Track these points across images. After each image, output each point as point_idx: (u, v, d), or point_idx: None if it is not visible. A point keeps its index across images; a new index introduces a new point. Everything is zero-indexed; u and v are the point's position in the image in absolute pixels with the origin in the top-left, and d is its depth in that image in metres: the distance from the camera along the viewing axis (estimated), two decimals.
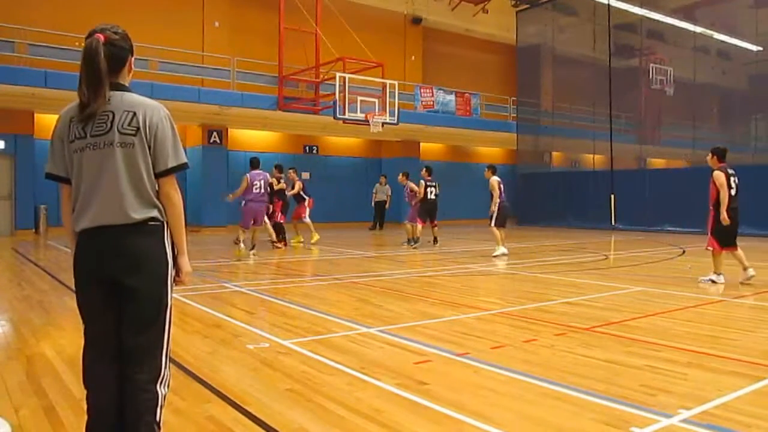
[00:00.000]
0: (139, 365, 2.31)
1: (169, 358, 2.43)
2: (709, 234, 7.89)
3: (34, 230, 16.54)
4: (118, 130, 2.26)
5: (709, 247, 7.86)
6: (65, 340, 4.83)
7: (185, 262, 2.48)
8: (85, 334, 2.39)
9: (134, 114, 2.28)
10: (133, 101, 2.32)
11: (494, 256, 11.17)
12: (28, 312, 6.01)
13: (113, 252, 2.27)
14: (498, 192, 11.43)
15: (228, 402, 3.39)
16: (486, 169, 11.94)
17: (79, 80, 2.26)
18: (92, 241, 2.29)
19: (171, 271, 2.40)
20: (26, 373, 3.94)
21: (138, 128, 2.28)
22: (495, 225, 11.47)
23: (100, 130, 2.26)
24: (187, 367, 4.05)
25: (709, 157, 8.00)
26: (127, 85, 2.39)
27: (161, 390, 2.36)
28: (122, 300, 2.31)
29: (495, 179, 11.55)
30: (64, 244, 12.81)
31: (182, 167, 2.38)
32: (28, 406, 3.31)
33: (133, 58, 2.42)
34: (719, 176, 7.63)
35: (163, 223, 2.37)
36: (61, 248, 12.50)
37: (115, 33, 2.32)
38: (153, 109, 2.33)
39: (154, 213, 2.33)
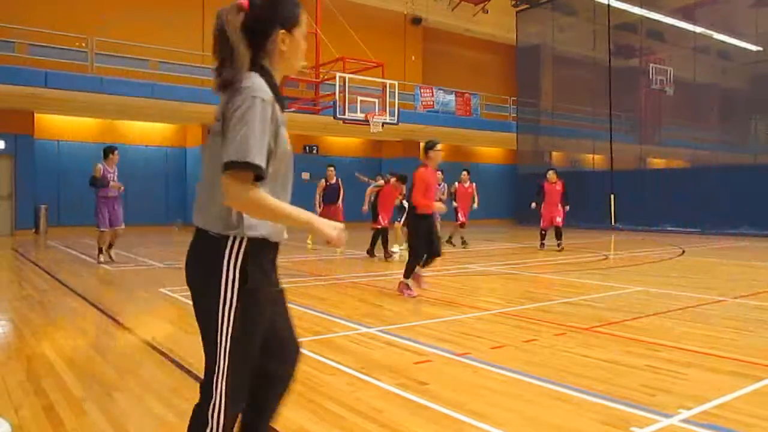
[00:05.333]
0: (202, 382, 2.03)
1: (227, 386, 1.91)
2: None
3: (34, 230, 16.54)
4: (215, 117, 1.99)
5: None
6: (65, 340, 4.83)
7: (320, 225, 2.00)
8: None
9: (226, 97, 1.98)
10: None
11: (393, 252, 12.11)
12: (28, 312, 6.00)
13: (187, 259, 2.02)
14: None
15: None
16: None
17: None
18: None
19: (232, 288, 1.91)
20: (26, 373, 3.94)
21: (222, 112, 1.94)
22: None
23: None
24: (188, 367, 4.04)
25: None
26: None
27: (211, 420, 1.90)
28: None
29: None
30: (64, 244, 12.82)
31: (243, 166, 1.77)
32: (28, 406, 3.31)
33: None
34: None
35: (227, 235, 1.91)
36: (61, 248, 12.49)
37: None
38: (236, 89, 1.94)
39: (218, 223, 1.92)
